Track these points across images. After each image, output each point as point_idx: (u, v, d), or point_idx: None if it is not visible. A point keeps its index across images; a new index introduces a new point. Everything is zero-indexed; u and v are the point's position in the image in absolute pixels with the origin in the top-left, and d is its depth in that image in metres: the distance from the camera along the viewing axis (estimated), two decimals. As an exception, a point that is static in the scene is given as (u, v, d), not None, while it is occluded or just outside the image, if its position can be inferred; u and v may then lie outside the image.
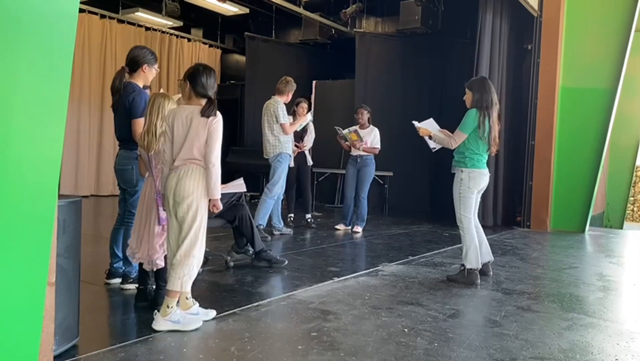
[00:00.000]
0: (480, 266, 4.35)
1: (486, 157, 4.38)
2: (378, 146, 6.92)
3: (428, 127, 4.57)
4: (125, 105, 3.70)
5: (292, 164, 6.92)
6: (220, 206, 3.10)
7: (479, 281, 4.27)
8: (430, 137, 4.53)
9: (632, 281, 4.88)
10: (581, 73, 7.81)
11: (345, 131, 6.88)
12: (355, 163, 6.94)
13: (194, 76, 3.08)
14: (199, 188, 3.00)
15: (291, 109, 6.76)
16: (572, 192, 7.86)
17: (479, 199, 4.46)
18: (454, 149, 4.39)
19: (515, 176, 8.22)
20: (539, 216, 7.97)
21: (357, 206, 6.94)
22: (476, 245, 4.32)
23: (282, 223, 6.56)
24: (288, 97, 6.31)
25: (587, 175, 7.82)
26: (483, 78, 4.54)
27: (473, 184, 4.29)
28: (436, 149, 4.64)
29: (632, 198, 14.67)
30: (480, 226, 4.51)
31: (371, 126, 6.99)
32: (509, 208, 8.30)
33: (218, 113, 3.05)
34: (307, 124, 7.01)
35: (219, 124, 3.02)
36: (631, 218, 15.20)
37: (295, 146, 6.88)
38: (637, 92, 10.70)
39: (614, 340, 3.11)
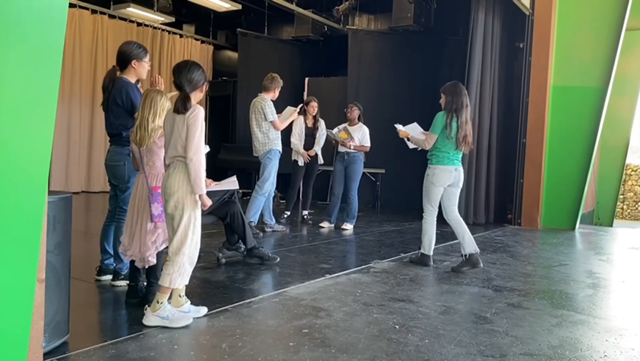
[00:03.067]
0: (432, 253, 4.88)
1: (455, 155, 4.73)
2: (368, 144, 6.91)
3: (411, 130, 4.97)
4: (118, 102, 3.68)
5: (301, 163, 6.94)
6: (207, 203, 3.04)
7: (431, 263, 4.85)
8: (408, 139, 4.98)
9: (621, 279, 4.92)
10: (572, 72, 7.86)
11: (335, 130, 6.87)
12: (343, 160, 6.90)
13: (175, 69, 3.04)
14: (184, 185, 2.96)
15: (301, 107, 6.76)
16: (562, 190, 7.92)
17: (457, 194, 4.85)
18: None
19: (506, 173, 8.26)
20: (529, 213, 8.02)
21: (346, 203, 6.93)
22: (430, 235, 4.84)
23: (274, 220, 6.55)
24: (275, 94, 6.26)
25: (577, 173, 7.88)
26: (455, 83, 4.83)
27: (437, 180, 4.72)
28: (418, 148, 5.02)
29: (621, 196, 14.81)
30: (461, 219, 4.86)
31: (360, 123, 6.98)
32: (500, 206, 8.34)
33: (197, 107, 2.98)
34: (319, 122, 7.02)
35: (197, 118, 2.94)
36: (621, 216, 15.34)
37: (309, 155, 6.95)
38: (628, 91, 10.78)
39: (602, 336, 3.13)
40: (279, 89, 6.29)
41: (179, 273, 2.97)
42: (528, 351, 2.81)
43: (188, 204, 2.97)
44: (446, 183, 4.73)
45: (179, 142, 2.96)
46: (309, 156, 6.94)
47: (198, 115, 2.95)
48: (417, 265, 4.86)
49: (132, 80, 3.78)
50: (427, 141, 4.74)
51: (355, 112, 6.95)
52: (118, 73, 3.78)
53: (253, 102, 6.28)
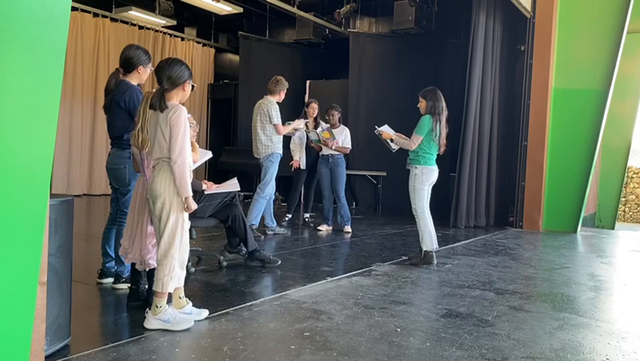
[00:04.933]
0: (434, 248, 5.01)
1: (435, 156, 5.06)
2: (349, 145, 6.99)
3: (386, 131, 5.23)
4: (120, 104, 3.69)
5: (303, 167, 6.94)
6: (192, 206, 2.97)
7: (435, 261, 4.97)
8: (391, 140, 5.17)
9: (623, 281, 4.91)
10: (574, 74, 7.85)
11: (319, 130, 6.85)
12: (327, 163, 6.91)
13: (156, 67, 3.02)
14: (170, 186, 2.93)
15: (302, 110, 6.76)
16: (564, 192, 7.91)
17: (429, 192, 5.07)
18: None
19: (508, 176, 8.26)
20: (531, 216, 8.01)
21: (338, 206, 6.92)
22: (430, 230, 4.99)
23: (275, 223, 6.55)
24: (280, 97, 6.26)
25: (579, 176, 7.87)
26: (434, 88, 5.08)
27: (425, 179, 4.98)
28: (395, 150, 5.28)
29: (623, 199, 14.79)
30: (430, 215, 5.08)
31: (342, 125, 7.06)
32: (501, 208, 8.34)
33: (179, 106, 2.93)
34: (320, 125, 7.02)
35: (179, 118, 2.88)
36: (622, 218, 15.32)
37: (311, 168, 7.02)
38: (629, 93, 10.78)
39: (605, 339, 3.13)
40: (285, 91, 6.29)
41: (170, 277, 2.95)
42: (530, 354, 2.80)
43: (174, 207, 2.95)
44: (430, 181, 5.02)
45: (163, 143, 2.92)
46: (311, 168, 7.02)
47: (180, 115, 2.90)
48: (419, 266, 4.89)
49: (134, 83, 3.80)
50: (412, 143, 4.97)
51: (335, 116, 6.98)
52: (121, 76, 3.80)
53: (258, 104, 6.27)
